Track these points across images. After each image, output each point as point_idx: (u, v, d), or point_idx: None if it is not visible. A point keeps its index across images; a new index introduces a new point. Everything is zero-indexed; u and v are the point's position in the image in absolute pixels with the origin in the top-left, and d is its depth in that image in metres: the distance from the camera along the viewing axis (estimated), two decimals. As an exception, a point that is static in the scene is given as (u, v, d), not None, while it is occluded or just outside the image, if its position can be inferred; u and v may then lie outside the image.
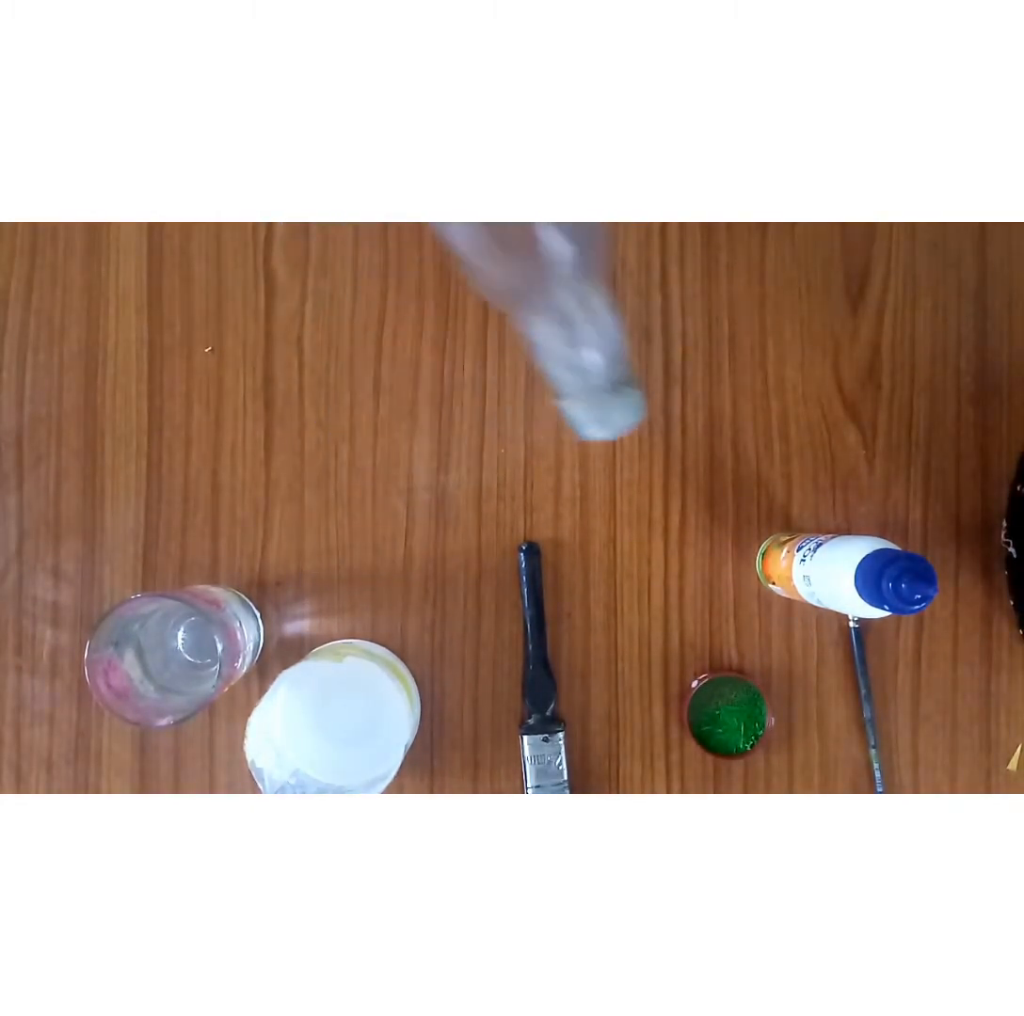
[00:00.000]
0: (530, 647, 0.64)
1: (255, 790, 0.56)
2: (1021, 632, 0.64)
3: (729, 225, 0.66)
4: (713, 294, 0.66)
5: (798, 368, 0.66)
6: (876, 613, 0.52)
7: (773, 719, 0.64)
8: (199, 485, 0.65)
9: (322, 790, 0.54)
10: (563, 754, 0.63)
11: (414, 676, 0.64)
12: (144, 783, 0.64)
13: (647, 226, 0.66)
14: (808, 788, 0.65)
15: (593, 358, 0.50)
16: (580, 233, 0.46)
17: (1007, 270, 0.67)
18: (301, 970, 0.42)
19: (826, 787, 0.65)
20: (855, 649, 0.65)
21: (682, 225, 0.66)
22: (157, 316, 0.66)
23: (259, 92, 0.45)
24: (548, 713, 0.64)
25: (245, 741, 0.57)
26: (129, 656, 0.58)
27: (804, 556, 0.57)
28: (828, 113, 0.45)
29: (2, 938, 0.42)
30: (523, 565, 0.64)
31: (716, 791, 0.65)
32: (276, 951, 0.42)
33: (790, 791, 0.65)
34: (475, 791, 0.65)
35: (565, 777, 0.63)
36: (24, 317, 0.66)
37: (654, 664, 0.65)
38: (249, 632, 0.61)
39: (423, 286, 0.66)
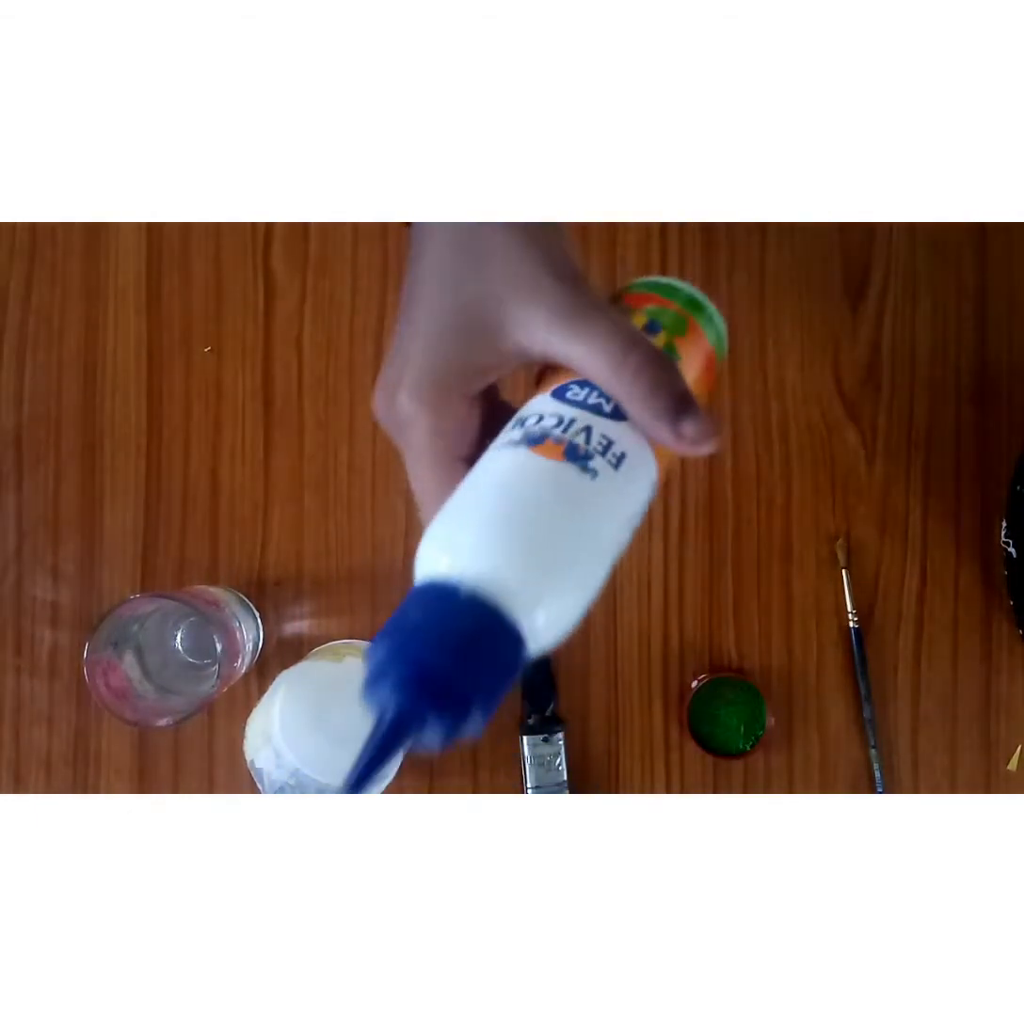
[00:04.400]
0: (530, 647, 0.64)
1: (254, 790, 0.56)
2: (1021, 632, 0.64)
3: (729, 225, 0.66)
4: (713, 294, 0.66)
5: (798, 368, 0.66)
6: None
7: (773, 719, 0.64)
8: (198, 485, 0.65)
9: (321, 790, 0.54)
10: (563, 754, 0.63)
11: (413, 676, 0.64)
12: (143, 783, 0.64)
13: (647, 226, 0.66)
14: (808, 788, 0.65)
15: None
16: None
17: (1007, 270, 0.67)
18: (301, 970, 0.42)
19: (826, 787, 0.65)
20: (855, 649, 0.65)
21: (682, 226, 0.66)
22: (156, 316, 0.66)
23: (258, 92, 0.45)
24: (548, 713, 0.64)
25: (244, 741, 0.57)
26: (128, 656, 0.58)
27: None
28: (827, 113, 0.45)
29: (1, 939, 0.42)
30: (523, 565, 0.64)
31: (716, 791, 0.65)
32: (276, 951, 0.42)
33: (790, 791, 0.65)
34: (475, 791, 0.65)
35: (565, 777, 0.63)
36: (23, 317, 0.65)
37: (654, 664, 0.65)
38: (248, 632, 0.61)
39: (423, 286, 0.66)
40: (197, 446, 0.65)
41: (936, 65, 0.44)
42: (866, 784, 0.65)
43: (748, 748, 0.64)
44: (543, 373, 0.42)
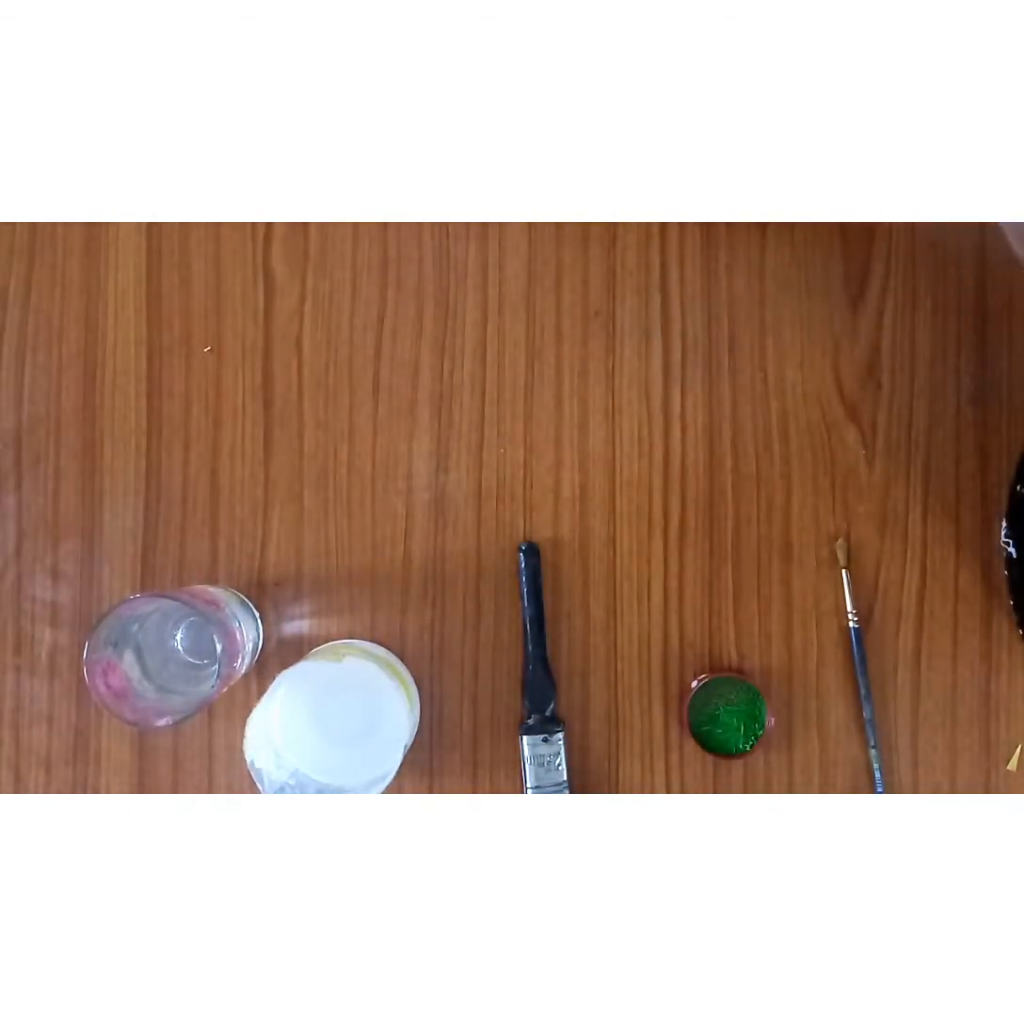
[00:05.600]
0: (529, 647, 0.64)
1: (254, 790, 0.56)
2: (1021, 632, 0.64)
3: (729, 225, 0.66)
4: (713, 294, 0.66)
5: (798, 368, 0.66)
6: None
7: (773, 719, 0.64)
8: (198, 485, 0.65)
9: (321, 790, 0.54)
10: (562, 754, 0.63)
11: (413, 676, 0.64)
12: (143, 783, 0.64)
13: (647, 226, 0.66)
14: (808, 788, 0.65)
15: None
16: None
17: (1007, 270, 0.67)
18: (301, 970, 0.42)
19: (826, 787, 0.65)
20: (855, 649, 0.65)
21: (682, 225, 0.66)
22: (156, 316, 0.66)
23: (258, 92, 0.45)
24: (547, 713, 0.64)
25: (244, 742, 0.57)
26: (128, 656, 0.58)
27: None
28: (827, 113, 0.45)
29: (1, 939, 0.42)
30: (522, 565, 0.64)
31: (716, 791, 0.65)
32: (276, 950, 0.42)
33: (790, 791, 0.65)
34: (474, 791, 0.65)
35: (564, 777, 0.63)
36: (23, 317, 0.65)
37: (654, 664, 0.65)
38: (248, 632, 0.61)
39: (422, 286, 0.66)
40: (197, 446, 0.65)
41: (936, 65, 0.44)
42: (866, 783, 0.65)
43: (748, 748, 0.64)
44: None
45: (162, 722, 0.55)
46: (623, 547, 0.65)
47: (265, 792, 0.55)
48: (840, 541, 0.65)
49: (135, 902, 0.43)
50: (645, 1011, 0.41)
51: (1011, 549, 0.63)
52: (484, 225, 0.66)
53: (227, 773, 0.64)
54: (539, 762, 0.63)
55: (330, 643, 0.64)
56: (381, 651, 0.64)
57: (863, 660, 0.65)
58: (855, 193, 0.46)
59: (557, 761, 0.63)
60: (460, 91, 0.45)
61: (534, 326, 0.66)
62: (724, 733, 0.64)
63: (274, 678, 0.56)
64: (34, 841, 0.44)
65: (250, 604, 0.64)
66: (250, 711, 0.58)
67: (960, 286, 0.66)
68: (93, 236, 0.66)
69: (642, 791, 0.65)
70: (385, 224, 0.66)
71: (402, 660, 0.64)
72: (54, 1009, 0.41)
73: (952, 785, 0.65)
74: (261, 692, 0.61)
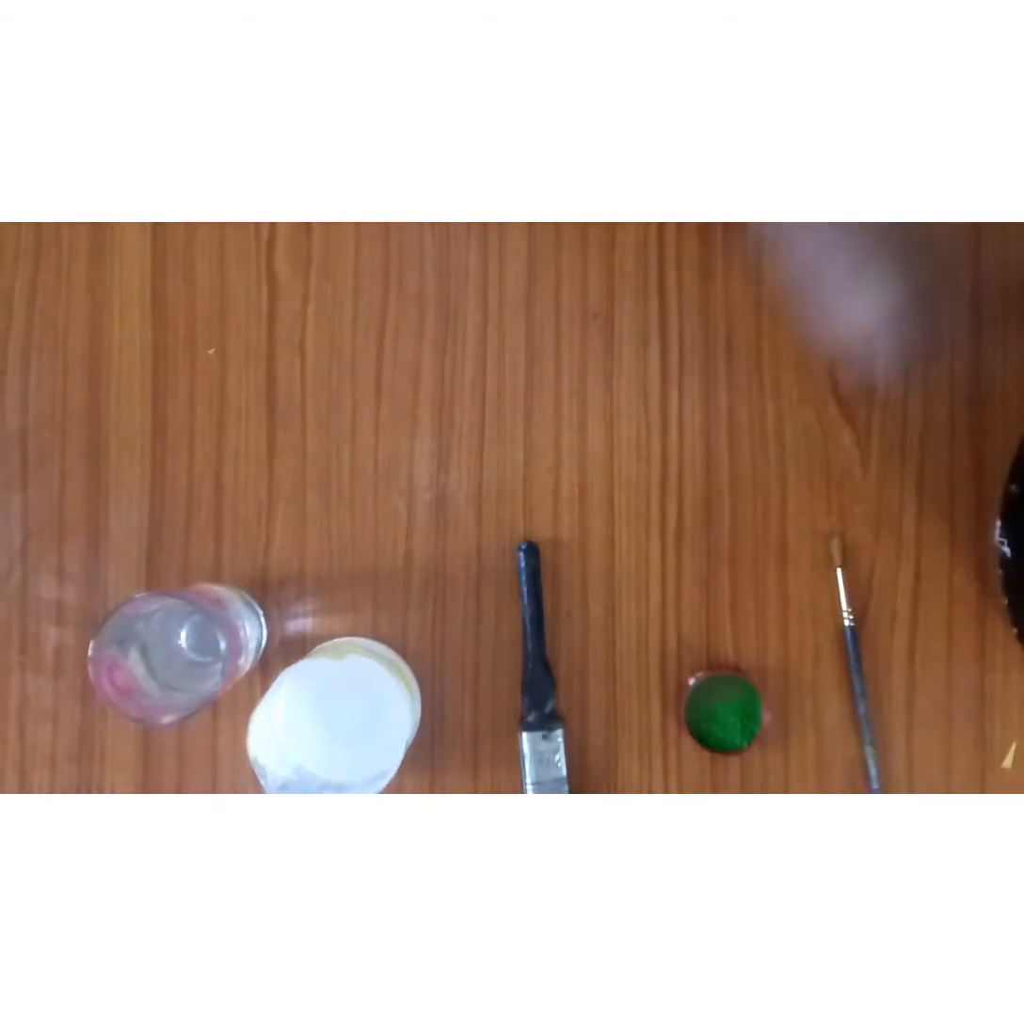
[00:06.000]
0: (529, 645, 0.65)
1: (258, 787, 0.57)
2: (1015, 631, 0.64)
3: (726, 226, 0.67)
4: (710, 297, 0.67)
5: (793, 370, 0.66)
6: None
7: (769, 716, 0.64)
8: (202, 486, 0.66)
9: (323, 786, 0.55)
10: (562, 751, 0.64)
11: (414, 674, 0.65)
12: (147, 781, 0.65)
13: (644, 228, 0.67)
14: (804, 785, 0.65)
15: None
16: None
17: (1002, 271, 0.67)
18: (303, 969, 0.42)
19: (822, 784, 0.65)
20: (850, 648, 0.65)
21: (679, 228, 0.67)
22: (160, 318, 0.66)
23: (262, 92, 0.46)
24: (547, 711, 0.65)
25: (248, 738, 0.58)
26: (133, 654, 0.59)
27: None
28: (825, 113, 0.45)
29: (5, 939, 0.42)
30: (522, 565, 0.65)
31: (713, 788, 0.65)
32: (279, 951, 0.42)
33: (786, 787, 0.65)
34: (475, 788, 0.65)
35: (564, 773, 0.64)
36: (28, 319, 0.66)
37: (652, 662, 0.66)
38: (252, 630, 0.62)
39: (424, 287, 0.66)
40: (201, 447, 0.66)
41: (933, 66, 0.45)
42: (862, 781, 0.65)
43: (745, 744, 0.64)
44: None
45: (167, 720, 0.56)
46: (622, 547, 0.66)
47: (268, 788, 0.56)
48: (835, 540, 0.66)
49: (139, 902, 0.43)
50: (644, 1010, 0.41)
51: (1005, 548, 0.64)
52: (484, 228, 0.67)
53: (231, 770, 0.65)
54: (539, 758, 0.64)
55: (333, 641, 0.64)
56: (383, 649, 0.64)
57: (858, 658, 0.65)
58: (849, 194, 0.46)
59: (557, 757, 0.64)
60: (460, 91, 0.46)
61: (534, 328, 0.67)
62: (721, 730, 0.64)
63: (278, 676, 0.57)
64: (39, 841, 0.44)
65: (254, 603, 0.65)
66: (254, 709, 0.58)
67: (955, 286, 0.67)
68: (98, 238, 0.66)
69: (640, 787, 0.65)
70: (387, 227, 0.67)
71: (404, 658, 0.65)
72: (58, 1009, 0.41)
73: (947, 782, 0.66)
74: (265, 690, 0.62)
